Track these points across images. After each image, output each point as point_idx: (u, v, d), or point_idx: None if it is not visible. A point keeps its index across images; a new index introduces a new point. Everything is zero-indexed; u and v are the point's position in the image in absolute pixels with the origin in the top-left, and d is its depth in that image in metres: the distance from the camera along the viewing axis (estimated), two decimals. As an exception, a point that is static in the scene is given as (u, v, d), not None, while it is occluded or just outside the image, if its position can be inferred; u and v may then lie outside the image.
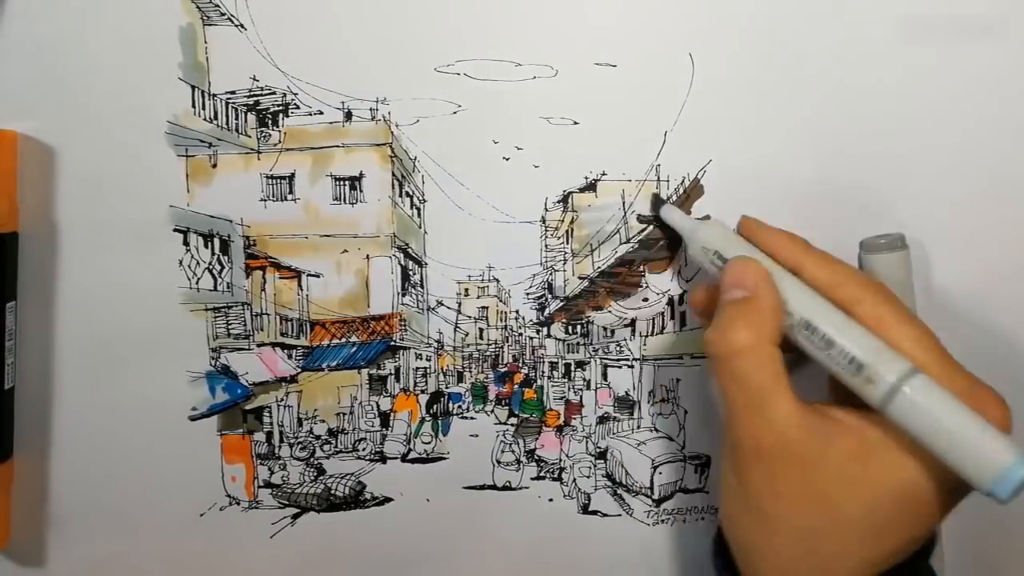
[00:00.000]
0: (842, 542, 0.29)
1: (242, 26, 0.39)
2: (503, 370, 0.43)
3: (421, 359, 0.42)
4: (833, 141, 0.41)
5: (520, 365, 0.43)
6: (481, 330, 0.42)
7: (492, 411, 0.42)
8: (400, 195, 0.41)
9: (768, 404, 0.29)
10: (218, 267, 0.40)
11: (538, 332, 0.42)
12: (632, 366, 0.42)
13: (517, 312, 0.42)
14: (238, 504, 0.42)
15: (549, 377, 0.43)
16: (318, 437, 0.42)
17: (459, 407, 0.42)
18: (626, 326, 0.42)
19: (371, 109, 0.40)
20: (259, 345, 0.41)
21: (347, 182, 0.41)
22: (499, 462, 0.42)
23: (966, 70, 0.40)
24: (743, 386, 0.30)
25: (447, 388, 0.42)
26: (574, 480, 0.43)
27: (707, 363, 0.32)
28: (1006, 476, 0.26)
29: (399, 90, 0.40)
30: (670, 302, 0.42)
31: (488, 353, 0.43)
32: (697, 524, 0.43)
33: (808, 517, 0.29)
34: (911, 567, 0.31)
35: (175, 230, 0.40)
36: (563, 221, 0.41)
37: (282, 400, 0.42)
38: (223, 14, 0.39)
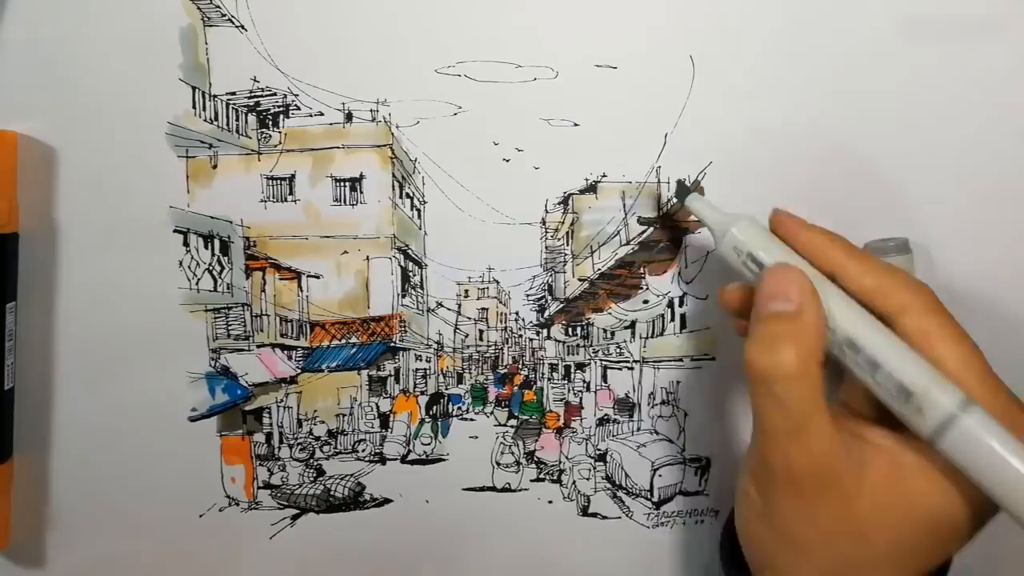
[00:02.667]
0: (870, 569, 0.29)
1: (243, 27, 0.39)
2: (503, 372, 0.43)
3: (421, 360, 0.42)
4: (834, 142, 0.41)
5: (520, 367, 0.43)
6: (481, 332, 0.42)
7: (492, 413, 0.42)
8: (400, 196, 0.41)
9: (808, 430, 0.28)
10: (218, 268, 0.40)
11: (538, 334, 0.42)
12: (632, 368, 0.42)
13: (517, 314, 0.42)
14: (237, 505, 0.42)
15: (549, 379, 0.43)
16: (318, 438, 0.42)
17: (459, 408, 0.42)
18: (626, 328, 0.42)
19: (371, 110, 0.40)
20: (259, 346, 0.41)
21: (347, 183, 0.41)
22: (499, 464, 0.42)
23: (967, 70, 0.40)
24: (785, 410, 0.28)
25: (447, 389, 0.42)
26: (574, 482, 0.43)
27: (746, 379, 0.30)
28: None
29: (400, 91, 0.40)
30: (670, 304, 0.42)
31: (488, 355, 0.43)
32: (697, 527, 0.43)
33: (839, 546, 0.28)
34: None
35: (175, 231, 0.40)
36: (563, 223, 0.41)
37: (282, 401, 0.42)
38: (224, 15, 0.39)
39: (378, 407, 0.42)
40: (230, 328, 0.41)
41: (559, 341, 0.42)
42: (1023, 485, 0.25)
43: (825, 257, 0.31)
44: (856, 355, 0.29)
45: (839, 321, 0.29)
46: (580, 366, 0.42)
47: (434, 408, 0.42)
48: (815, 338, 0.28)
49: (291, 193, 0.40)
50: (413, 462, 0.42)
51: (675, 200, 0.38)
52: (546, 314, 0.42)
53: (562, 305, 0.42)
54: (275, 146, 0.40)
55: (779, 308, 0.29)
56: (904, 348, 0.28)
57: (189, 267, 0.40)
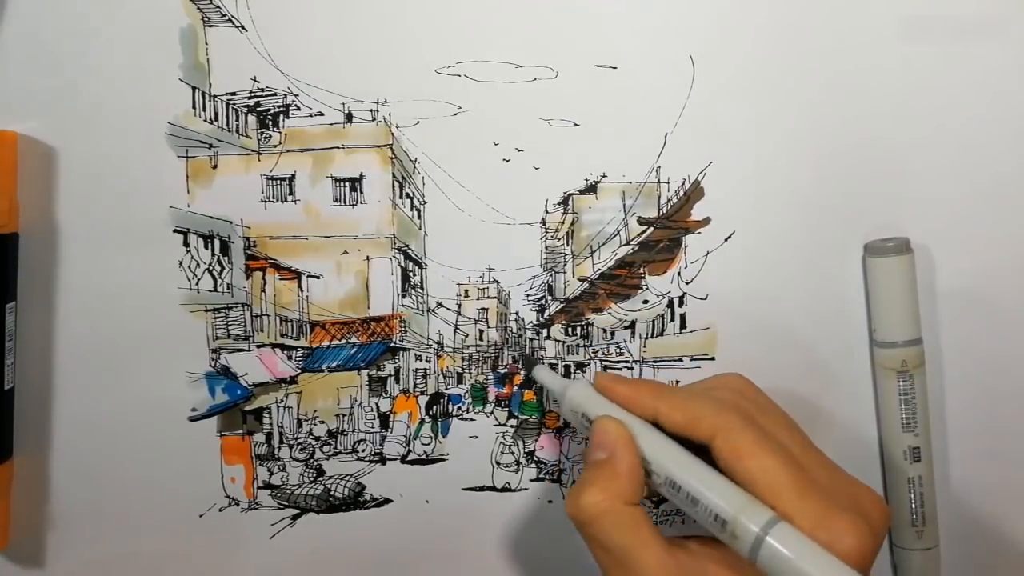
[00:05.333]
0: None
1: (243, 27, 0.39)
2: (503, 371, 0.43)
3: (421, 360, 0.42)
4: (833, 143, 0.41)
5: (520, 367, 0.43)
6: (481, 331, 0.42)
7: (492, 413, 0.42)
8: (400, 196, 0.41)
9: (632, 562, 0.30)
10: (218, 268, 0.40)
11: (538, 334, 0.42)
12: (632, 368, 0.42)
13: (517, 314, 0.42)
14: (237, 505, 0.42)
15: (549, 379, 0.43)
16: (318, 438, 0.42)
17: (459, 408, 0.42)
18: (626, 328, 0.42)
19: (371, 110, 0.40)
20: (259, 346, 0.41)
21: (347, 183, 0.41)
22: (498, 463, 0.42)
23: (967, 70, 0.40)
24: (604, 548, 0.30)
25: (447, 389, 0.42)
26: (573, 482, 0.43)
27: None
28: None
29: (399, 91, 0.40)
30: (670, 304, 0.42)
31: (488, 355, 0.43)
32: (695, 525, 0.43)
33: None
34: None
35: (175, 231, 0.40)
36: (563, 223, 0.41)
37: (282, 401, 0.42)
38: (224, 15, 0.39)
39: (378, 407, 0.42)
40: (230, 328, 0.41)
41: (559, 341, 0.42)
42: None
43: (641, 404, 0.33)
44: (677, 493, 0.30)
45: (658, 464, 0.31)
46: (580, 366, 0.42)
47: (434, 408, 0.42)
48: (625, 480, 0.31)
49: (291, 193, 0.40)
50: (413, 462, 0.42)
51: (523, 373, 0.42)
52: (546, 314, 0.42)
53: (562, 305, 0.42)
54: (275, 146, 0.40)
55: (596, 457, 0.32)
56: (716, 478, 0.30)
57: (189, 267, 0.40)
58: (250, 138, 0.40)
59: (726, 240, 0.41)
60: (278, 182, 0.40)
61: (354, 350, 0.42)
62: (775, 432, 0.31)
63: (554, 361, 0.42)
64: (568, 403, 0.35)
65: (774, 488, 0.29)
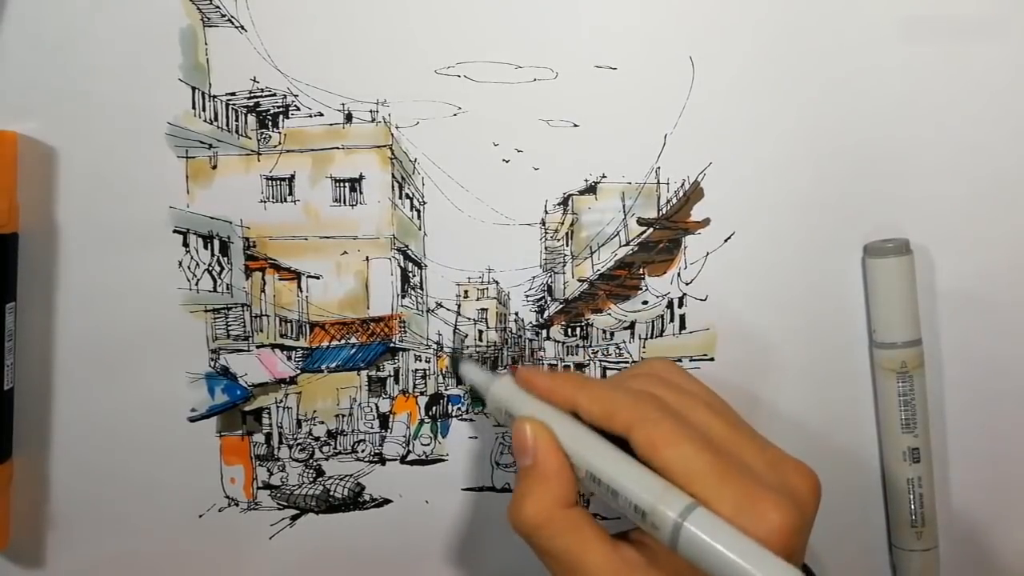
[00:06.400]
0: None
1: (242, 28, 0.39)
2: (502, 372, 0.43)
3: (420, 361, 0.42)
4: (833, 143, 0.41)
5: (519, 367, 0.42)
6: (480, 332, 0.42)
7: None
8: (400, 197, 0.41)
9: (579, 565, 0.29)
10: (218, 268, 0.41)
11: (537, 334, 0.42)
12: (632, 368, 0.42)
13: (516, 314, 0.42)
14: (237, 505, 0.42)
15: (548, 379, 0.42)
16: (317, 439, 0.42)
17: (458, 409, 0.42)
18: (625, 328, 0.42)
19: (371, 111, 0.40)
20: (259, 346, 0.41)
21: (347, 184, 0.41)
22: (498, 464, 0.42)
23: (967, 70, 0.40)
24: (550, 555, 0.30)
25: (446, 390, 0.42)
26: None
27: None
28: None
29: (399, 92, 0.40)
30: (669, 305, 0.42)
31: (487, 355, 0.43)
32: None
33: None
34: None
35: (175, 231, 0.40)
36: (563, 223, 0.41)
37: (281, 401, 0.42)
38: (224, 15, 0.39)
39: (378, 407, 0.42)
40: (230, 328, 0.41)
41: (558, 342, 0.42)
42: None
43: (561, 397, 0.32)
44: (598, 486, 0.30)
45: (578, 457, 0.30)
46: (579, 367, 0.42)
47: (433, 408, 0.42)
48: (556, 485, 0.30)
49: (291, 193, 0.40)
50: (413, 462, 0.42)
51: (450, 371, 0.42)
52: (545, 315, 0.42)
53: (561, 306, 0.42)
54: (275, 146, 0.40)
55: (522, 463, 0.31)
56: (635, 468, 0.29)
57: (189, 267, 0.40)
58: (250, 138, 0.40)
59: (726, 241, 0.41)
60: (278, 182, 0.40)
61: (354, 350, 0.42)
62: (695, 416, 0.31)
63: (553, 361, 0.42)
64: (492, 401, 0.34)
65: (692, 475, 0.28)
